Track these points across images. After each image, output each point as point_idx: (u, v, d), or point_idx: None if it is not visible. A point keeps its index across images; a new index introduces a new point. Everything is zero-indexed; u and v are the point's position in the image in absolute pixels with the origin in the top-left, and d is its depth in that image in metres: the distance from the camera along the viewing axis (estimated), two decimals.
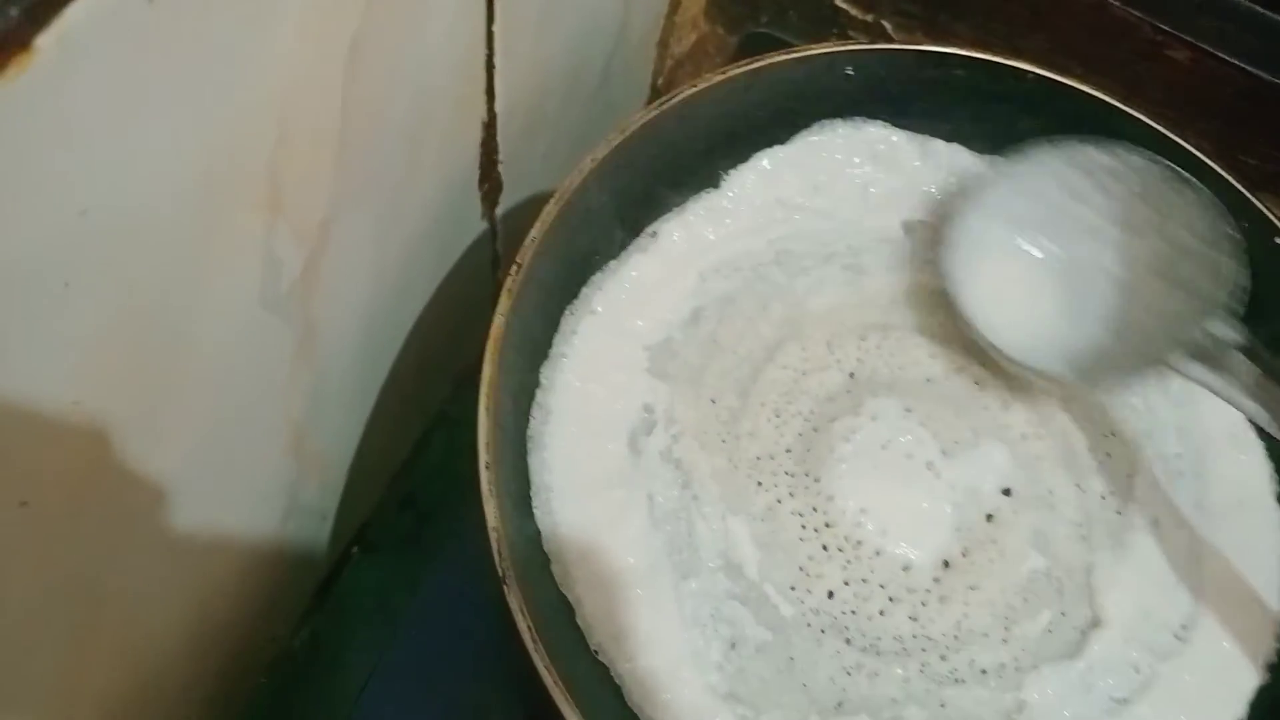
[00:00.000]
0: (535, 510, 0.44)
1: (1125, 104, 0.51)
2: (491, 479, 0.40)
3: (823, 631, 0.44)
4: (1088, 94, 0.51)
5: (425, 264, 0.52)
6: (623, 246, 0.50)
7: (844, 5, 0.69)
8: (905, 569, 0.45)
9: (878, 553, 0.45)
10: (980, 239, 0.49)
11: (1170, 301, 0.46)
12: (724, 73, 0.50)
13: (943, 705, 0.43)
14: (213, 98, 0.30)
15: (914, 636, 0.44)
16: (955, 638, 0.44)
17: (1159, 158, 0.47)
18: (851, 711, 0.42)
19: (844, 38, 0.69)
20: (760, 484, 0.46)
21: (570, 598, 0.43)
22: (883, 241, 0.52)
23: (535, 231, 0.45)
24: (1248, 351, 0.42)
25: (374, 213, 0.44)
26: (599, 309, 0.48)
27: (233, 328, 0.37)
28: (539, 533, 0.44)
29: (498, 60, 0.47)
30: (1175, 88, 0.59)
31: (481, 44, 0.46)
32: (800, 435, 0.47)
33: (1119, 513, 0.47)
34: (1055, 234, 0.49)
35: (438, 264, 0.53)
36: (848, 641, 0.44)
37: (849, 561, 0.45)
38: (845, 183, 0.53)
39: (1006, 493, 0.47)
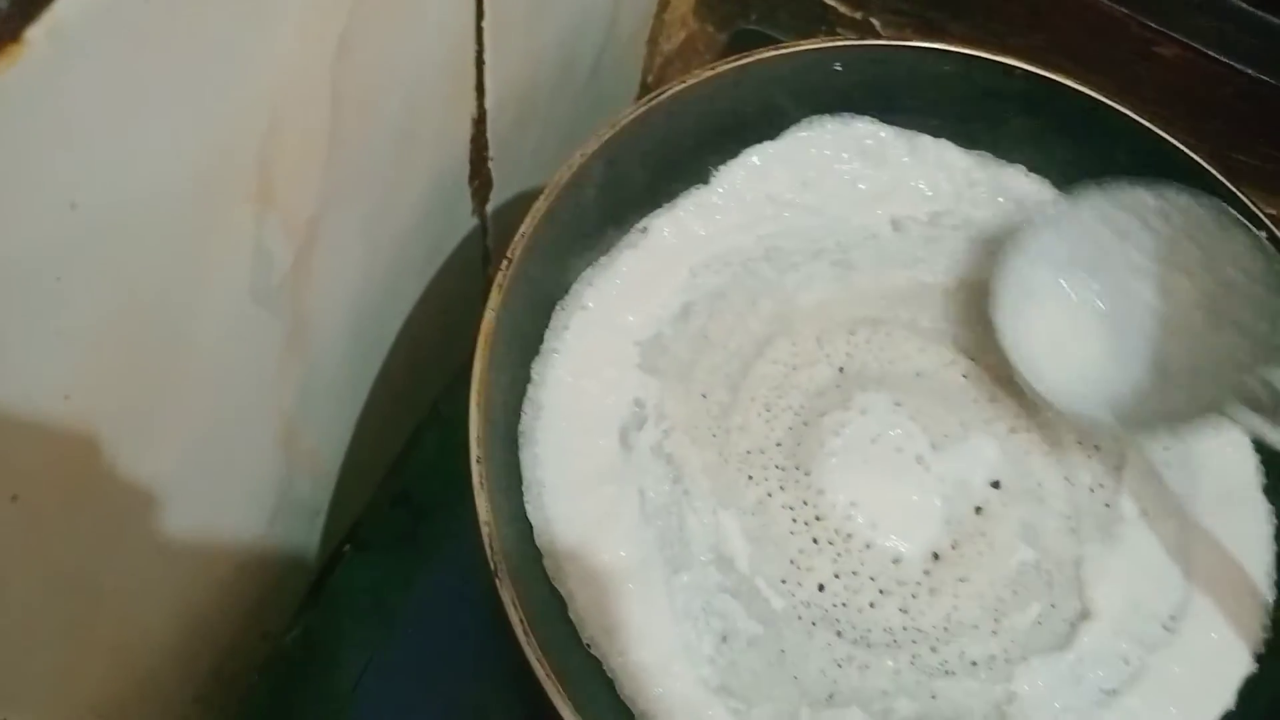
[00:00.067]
0: (527, 505, 0.44)
1: (1115, 101, 0.51)
2: (483, 474, 0.41)
3: (814, 624, 0.44)
4: (1076, 90, 0.51)
5: (416, 260, 0.52)
6: (613, 242, 0.50)
7: (833, 3, 0.69)
8: (895, 562, 0.45)
9: (868, 546, 0.45)
10: (1026, 284, 0.48)
11: (1223, 345, 0.45)
12: (713, 68, 0.50)
13: (933, 697, 0.43)
14: (204, 91, 0.30)
15: (904, 629, 0.44)
16: (945, 630, 0.44)
17: (1207, 197, 0.46)
18: (842, 703, 0.43)
19: (833, 35, 0.69)
20: (751, 478, 0.47)
21: (562, 592, 0.43)
22: (871, 237, 0.53)
23: (525, 227, 0.45)
24: None
25: (364, 208, 0.44)
26: (590, 304, 0.48)
27: (224, 321, 0.37)
28: (531, 528, 0.44)
29: (487, 56, 0.47)
30: (1167, 86, 0.60)
31: (471, 40, 0.46)
32: (790, 429, 0.48)
33: (1108, 505, 0.47)
34: (1103, 277, 0.48)
35: (428, 260, 0.53)
36: (838, 634, 0.44)
37: (839, 554, 0.45)
38: (834, 179, 0.53)
39: (996, 485, 0.47)
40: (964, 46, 0.52)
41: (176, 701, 0.48)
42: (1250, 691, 0.43)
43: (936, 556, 0.45)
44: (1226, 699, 0.43)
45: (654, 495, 0.45)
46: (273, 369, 0.42)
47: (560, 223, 0.47)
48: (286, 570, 0.53)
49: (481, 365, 0.42)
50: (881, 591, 0.45)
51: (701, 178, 0.52)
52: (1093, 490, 0.47)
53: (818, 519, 0.46)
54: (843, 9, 0.69)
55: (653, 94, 0.49)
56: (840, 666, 0.43)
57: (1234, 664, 0.44)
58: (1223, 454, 0.48)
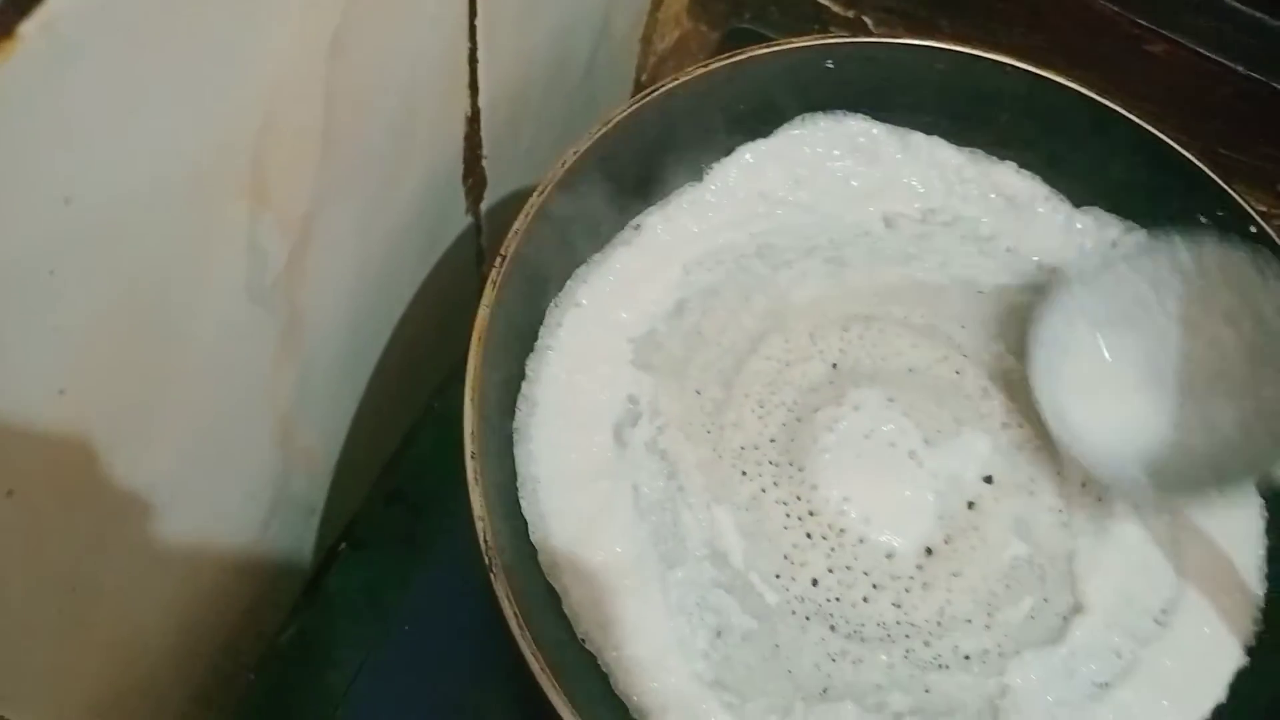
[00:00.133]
0: (522, 501, 0.45)
1: (1106, 98, 0.51)
2: (477, 470, 0.41)
3: (807, 619, 0.44)
4: (1067, 87, 0.51)
5: (410, 258, 0.52)
6: (607, 239, 0.50)
7: (825, 1, 0.69)
8: (888, 556, 0.45)
9: (861, 540, 0.45)
10: (1062, 342, 0.47)
11: (1272, 398, 0.44)
12: (705, 66, 0.50)
13: (927, 690, 0.43)
14: (198, 88, 0.30)
15: (898, 623, 0.44)
16: (938, 624, 0.44)
17: (1243, 243, 0.46)
18: (836, 698, 0.43)
19: (825, 33, 0.69)
20: (745, 474, 0.47)
21: (557, 587, 0.43)
22: (864, 234, 0.53)
23: (519, 224, 0.45)
24: None
25: (359, 205, 0.44)
26: (583, 301, 0.49)
27: (219, 318, 0.37)
28: (526, 524, 0.44)
29: (481, 54, 0.47)
30: (1158, 84, 0.60)
31: (464, 38, 0.46)
32: (784, 425, 0.48)
33: (1099, 499, 0.47)
34: (1141, 331, 0.47)
35: (423, 258, 0.53)
36: (832, 628, 0.44)
37: (833, 549, 0.45)
38: (826, 176, 0.53)
39: (988, 480, 0.47)
40: (956, 44, 0.52)
41: (173, 700, 0.48)
42: (1241, 684, 0.44)
43: (929, 551, 0.45)
44: (1218, 692, 0.44)
45: (648, 491, 0.46)
46: (268, 366, 0.43)
47: (554, 220, 0.47)
48: (282, 568, 0.53)
49: (476, 362, 0.43)
50: (875, 586, 0.45)
51: (695, 175, 0.52)
52: (1084, 485, 0.47)
53: (811, 514, 0.46)
54: (835, 7, 0.69)
55: (645, 91, 0.49)
56: (834, 661, 0.43)
57: (1225, 657, 0.44)
58: None
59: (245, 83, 0.32)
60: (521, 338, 0.47)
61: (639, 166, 0.50)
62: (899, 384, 0.49)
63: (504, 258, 0.45)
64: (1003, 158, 0.54)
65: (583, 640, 0.43)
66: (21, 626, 0.34)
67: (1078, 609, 0.45)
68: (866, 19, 0.69)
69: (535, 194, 0.46)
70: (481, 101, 0.50)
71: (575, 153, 0.47)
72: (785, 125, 0.53)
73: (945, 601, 0.45)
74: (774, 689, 0.43)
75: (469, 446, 0.41)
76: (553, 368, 0.47)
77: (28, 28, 0.23)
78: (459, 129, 0.50)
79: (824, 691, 0.43)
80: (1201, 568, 0.46)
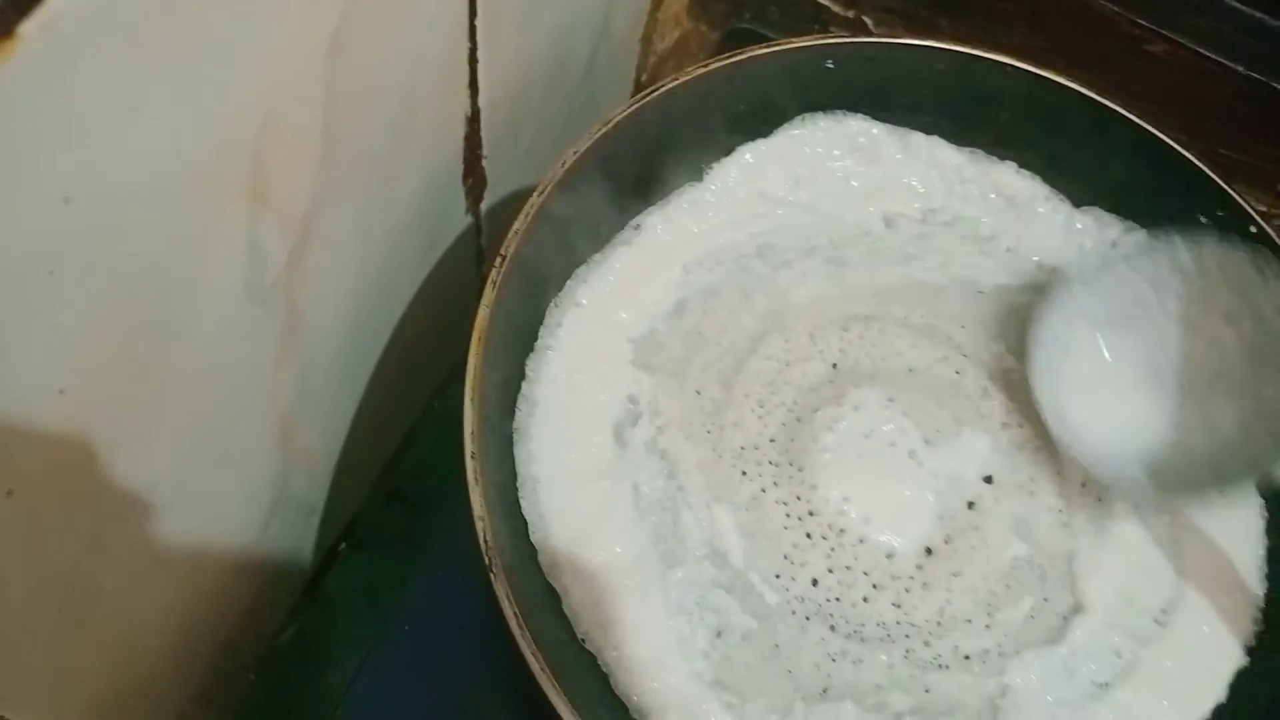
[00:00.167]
0: (522, 501, 0.45)
1: (1106, 98, 0.51)
2: (477, 469, 0.41)
3: (807, 619, 0.44)
4: (1067, 87, 0.51)
5: (410, 258, 0.52)
6: (607, 239, 0.50)
7: (825, 1, 0.69)
8: (888, 556, 0.45)
9: (861, 540, 0.45)
10: (1062, 342, 0.47)
11: (1272, 398, 0.44)
12: (705, 66, 0.50)
13: (927, 690, 0.43)
14: (199, 88, 0.30)
15: (898, 623, 0.44)
16: (939, 624, 0.44)
17: (1243, 243, 0.46)
18: (836, 698, 0.43)
19: (825, 33, 0.69)
20: (744, 474, 0.47)
21: (557, 587, 0.43)
22: (864, 234, 0.53)
23: (519, 224, 0.45)
24: None
25: (359, 205, 0.44)
26: (583, 301, 0.49)
27: (219, 318, 0.37)
28: (526, 523, 0.44)
29: (481, 54, 0.47)
30: (1158, 84, 0.60)
31: (464, 38, 0.46)
32: (784, 425, 0.48)
33: (1099, 499, 0.47)
34: (1141, 331, 0.47)
35: (423, 258, 0.53)
36: (832, 628, 0.44)
37: (833, 549, 0.45)
38: (826, 176, 0.53)
39: (988, 480, 0.47)
40: (955, 44, 0.52)
41: (173, 700, 0.48)
42: (1241, 684, 0.44)
43: (929, 551, 0.46)
44: (1218, 692, 0.44)
45: (648, 491, 0.46)
46: (268, 366, 0.43)
47: (554, 220, 0.47)
48: (282, 568, 0.53)
49: (476, 362, 0.43)
50: (875, 586, 0.45)
51: (695, 175, 0.52)
52: (1084, 484, 0.47)
53: (811, 514, 0.46)
54: (835, 7, 0.69)
55: (645, 91, 0.49)
56: (834, 661, 0.43)
57: (1225, 657, 0.44)
58: None
59: (245, 82, 0.32)
60: (521, 338, 0.47)
61: (639, 166, 0.50)
62: (899, 384, 0.49)
63: (504, 258, 0.45)
64: (1003, 158, 0.54)
65: (583, 640, 0.43)
66: (21, 626, 0.34)
67: (1078, 609, 0.45)
68: (866, 19, 0.69)
69: (535, 194, 0.46)
70: (481, 101, 0.50)
71: (575, 152, 0.47)
72: (785, 125, 0.53)
73: (945, 601, 0.45)
74: (774, 689, 0.43)
75: (469, 446, 0.41)
76: (553, 368, 0.47)
77: (28, 28, 0.23)
78: (459, 129, 0.50)
79: (824, 691, 0.43)
80: (1201, 568, 0.46)
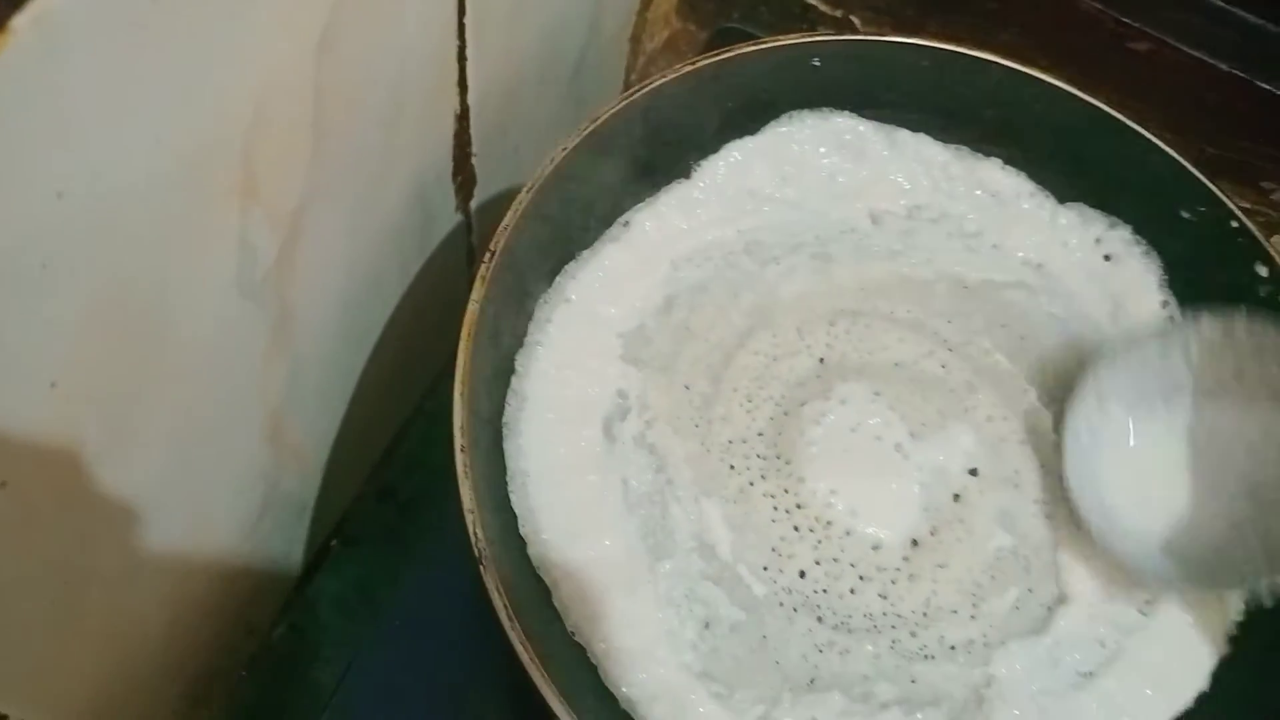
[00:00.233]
0: (511, 495, 0.45)
1: (1089, 95, 0.51)
2: (467, 463, 0.41)
3: (795, 610, 0.44)
4: (1051, 84, 0.52)
5: (400, 255, 0.52)
6: (595, 236, 0.51)
7: (813, 1, 0.70)
8: (875, 548, 0.46)
9: (848, 533, 0.46)
10: (1095, 430, 0.46)
11: None
12: (693, 64, 0.51)
13: (913, 681, 0.44)
14: (190, 83, 0.30)
15: (884, 614, 0.45)
16: (925, 615, 0.45)
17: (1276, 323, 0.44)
18: (824, 688, 0.43)
19: (813, 32, 0.70)
20: (732, 467, 0.47)
21: (547, 580, 0.43)
22: (850, 231, 0.53)
23: (508, 220, 0.46)
24: None
25: (348, 202, 0.44)
26: (572, 297, 0.49)
27: (209, 313, 0.37)
28: (515, 517, 0.44)
29: (469, 52, 0.48)
30: (1141, 80, 0.60)
31: (453, 35, 0.46)
32: (771, 419, 0.48)
33: None
34: (1176, 412, 0.46)
35: (413, 255, 0.54)
36: (819, 620, 0.44)
37: (820, 541, 0.46)
38: (813, 173, 0.54)
39: (973, 473, 0.47)
40: (941, 42, 0.53)
41: (165, 697, 0.48)
42: (1224, 673, 0.44)
43: (915, 543, 0.46)
44: (1200, 681, 0.44)
45: (637, 485, 0.46)
46: (258, 362, 0.43)
47: (543, 216, 0.47)
48: (273, 566, 0.53)
49: (465, 357, 0.43)
50: (861, 578, 0.45)
51: (683, 172, 0.52)
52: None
53: (799, 507, 0.46)
54: (822, 6, 0.69)
55: (633, 89, 0.50)
56: (821, 652, 0.44)
57: (1208, 646, 0.45)
58: None
59: (236, 77, 0.33)
60: (511, 333, 0.48)
61: (626, 164, 0.51)
62: (885, 378, 0.49)
63: (493, 253, 0.45)
64: (988, 154, 0.54)
65: (572, 632, 0.43)
66: (15, 620, 0.35)
67: (1062, 599, 0.45)
68: (854, 18, 0.69)
69: (524, 190, 0.46)
70: (470, 99, 0.50)
71: (564, 150, 0.47)
72: (773, 123, 0.53)
73: (931, 592, 0.45)
74: (762, 680, 0.43)
75: (458, 440, 0.41)
76: (542, 363, 0.47)
77: (20, 21, 0.23)
78: (448, 126, 0.51)
79: (811, 682, 0.43)
80: None
